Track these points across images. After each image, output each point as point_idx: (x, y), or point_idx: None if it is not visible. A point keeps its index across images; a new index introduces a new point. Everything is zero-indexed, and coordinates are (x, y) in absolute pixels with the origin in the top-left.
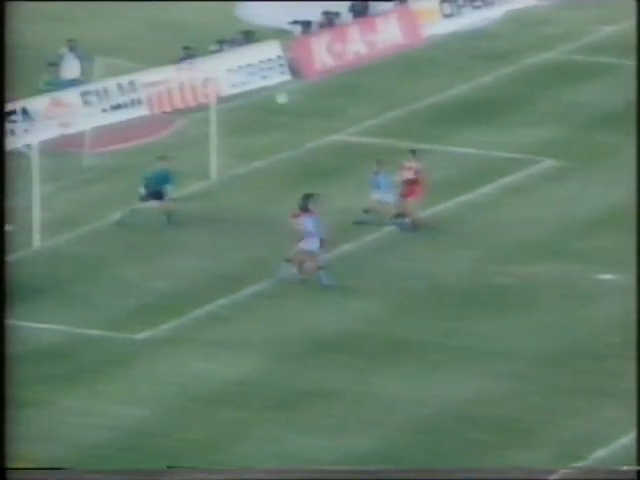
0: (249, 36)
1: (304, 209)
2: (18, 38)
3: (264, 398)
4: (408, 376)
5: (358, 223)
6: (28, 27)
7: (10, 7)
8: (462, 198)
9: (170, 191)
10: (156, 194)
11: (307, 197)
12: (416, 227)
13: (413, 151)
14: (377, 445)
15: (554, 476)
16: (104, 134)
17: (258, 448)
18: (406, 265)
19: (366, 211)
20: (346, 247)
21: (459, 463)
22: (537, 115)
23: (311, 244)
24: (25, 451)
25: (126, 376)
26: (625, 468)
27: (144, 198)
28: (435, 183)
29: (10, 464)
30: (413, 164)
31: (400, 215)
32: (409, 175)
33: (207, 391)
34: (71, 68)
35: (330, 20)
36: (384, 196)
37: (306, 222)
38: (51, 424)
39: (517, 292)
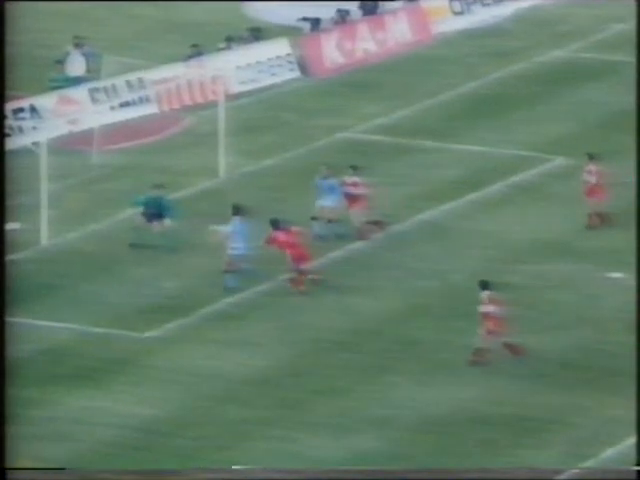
0: (257, 33)
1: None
2: (28, 36)
3: (272, 397)
4: (417, 375)
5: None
6: (39, 25)
7: (19, 6)
8: (472, 196)
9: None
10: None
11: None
12: (361, 237)
13: (354, 167)
14: (385, 445)
15: (562, 476)
16: (112, 132)
17: (266, 447)
18: (416, 264)
19: (314, 218)
20: (356, 245)
21: (469, 463)
22: (548, 113)
23: (238, 249)
24: (33, 452)
25: (135, 375)
26: (625, 468)
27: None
28: (445, 181)
29: (10, 464)
30: (357, 179)
31: (337, 221)
32: (353, 190)
33: (215, 390)
34: (76, 65)
35: (342, 17)
36: (326, 201)
37: (235, 226)
38: (61, 424)
39: (528, 291)
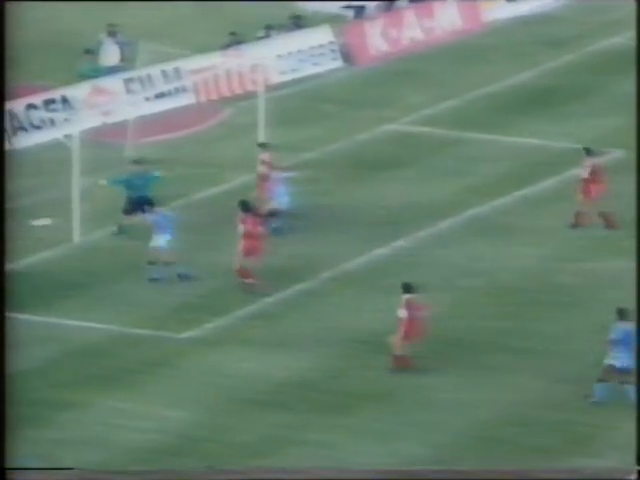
0: (299, 21)
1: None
2: (55, 25)
3: (312, 400)
4: (463, 377)
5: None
6: (67, 14)
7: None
8: (523, 192)
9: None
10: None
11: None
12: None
13: (263, 143)
14: (430, 450)
15: (562, 475)
16: (147, 124)
17: (304, 453)
18: (463, 261)
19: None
20: (401, 242)
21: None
22: (604, 104)
23: (160, 241)
24: (63, 456)
25: (169, 377)
26: (625, 468)
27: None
28: (494, 176)
29: (10, 464)
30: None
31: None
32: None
33: (253, 393)
34: (110, 54)
35: (388, 4)
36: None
37: (157, 218)
38: (91, 427)
39: (580, 290)
